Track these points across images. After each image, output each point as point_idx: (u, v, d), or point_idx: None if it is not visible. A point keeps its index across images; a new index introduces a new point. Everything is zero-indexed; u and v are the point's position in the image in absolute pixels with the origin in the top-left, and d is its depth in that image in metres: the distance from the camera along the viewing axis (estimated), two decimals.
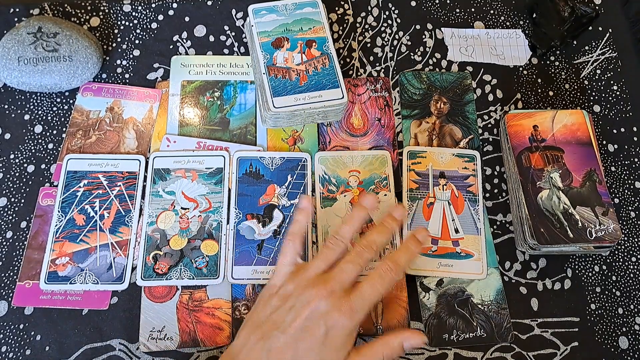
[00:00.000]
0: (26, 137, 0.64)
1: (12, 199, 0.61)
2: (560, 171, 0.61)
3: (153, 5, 0.72)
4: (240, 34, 0.72)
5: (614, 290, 0.61)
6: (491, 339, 0.58)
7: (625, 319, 0.60)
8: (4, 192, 0.62)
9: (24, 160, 0.63)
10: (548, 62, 0.72)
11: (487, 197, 0.65)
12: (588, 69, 0.72)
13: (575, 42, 0.74)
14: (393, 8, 0.74)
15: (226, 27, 0.72)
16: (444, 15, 0.74)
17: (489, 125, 0.68)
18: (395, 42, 0.72)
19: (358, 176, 0.64)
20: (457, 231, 0.61)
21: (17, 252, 0.59)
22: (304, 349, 0.45)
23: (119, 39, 0.70)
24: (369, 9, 0.74)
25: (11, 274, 0.58)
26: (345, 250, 0.51)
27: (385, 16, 0.74)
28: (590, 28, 0.74)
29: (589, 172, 0.61)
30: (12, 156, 0.64)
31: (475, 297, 0.59)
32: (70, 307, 0.57)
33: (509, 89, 0.71)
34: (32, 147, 0.64)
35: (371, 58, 0.71)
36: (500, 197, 0.65)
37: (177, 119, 0.66)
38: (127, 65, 0.69)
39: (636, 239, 0.64)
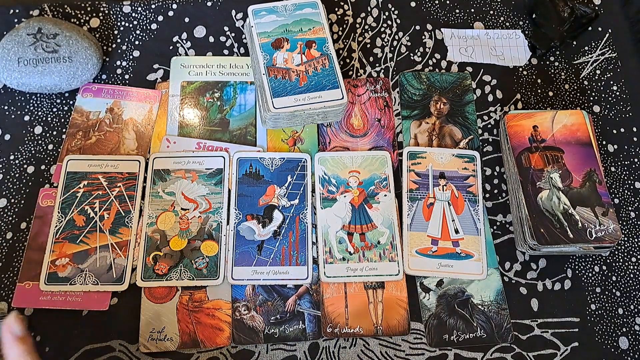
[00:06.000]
0: (26, 138, 0.64)
1: (12, 200, 0.61)
2: (560, 171, 0.61)
3: (153, 6, 0.72)
4: (240, 34, 0.72)
5: (614, 290, 0.61)
6: (491, 340, 0.58)
7: (625, 319, 0.60)
8: (4, 193, 0.62)
9: (24, 161, 0.63)
10: (548, 62, 0.72)
11: (487, 197, 0.65)
12: (588, 69, 0.72)
13: (574, 43, 0.74)
14: (393, 9, 0.74)
15: (226, 28, 0.72)
16: (444, 16, 0.74)
17: (489, 126, 0.68)
18: (395, 43, 0.72)
19: (358, 177, 0.64)
20: (457, 231, 0.61)
21: (17, 253, 0.59)
22: None
23: (118, 40, 0.70)
24: (369, 9, 0.74)
25: (11, 274, 0.58)
26: None
27: (385, 17, 0.74)
28: (590, 28, 0.74)
29: (588, 172, 0.61)
30: (12, 157, 0.64)
31: (476, 298, 0.59)
32: (70, 308, 0.57)
33: (509, 89, 0.71)
34: (32, 148, 0.64)
35: (371, 59, 0.71)
36: (500, 198, 0.65)
37: (177, 120, 0.66)
38: (127, 66, 0.69)
39: (636, 239, 0.64)
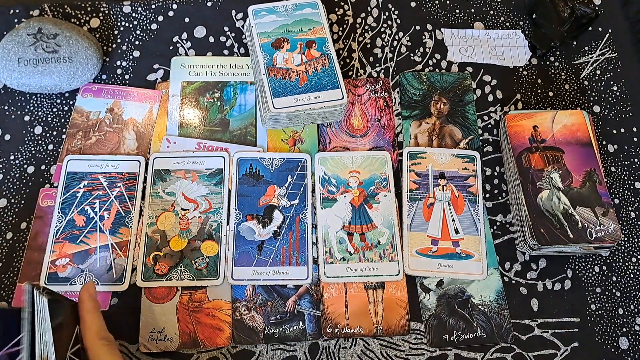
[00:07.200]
0: (26, 138, 0.64)
1: (12, 200, 0.61)
2: (560, 171, 0.61)
3: (153, 6, 0.72)
4: (240, 34, 0.72)
5: (614, 290, 0.61)
6: (491, 340, 0.58)
7: (625, 320, 0.60)
8: (4, 193, 0.62)
9: (24, 162, 0.63)
10: (548, 62, 0.72)
11: (487, 197, 0.65)
12: (588, 69, 0.72)
13: (575, 43, 0.74)
14: (393, 9, 0.74)
15: (226, 28, 0.72)
16: (444, 16, 0.74)
17: (489, 126, 0.68)
18: (395, 43, 0.72)
19: (358, 177, 0.64)
20: (457, 232, 0.61)
21: (17, 253, 0.59)
22: None
23: (119, 40, 0.70)
24: (369, 9, 0.74)
25: (11, 275, 0.58)
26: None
27: (385, 17, 0.74)
28: (590, 28, 0.74)
29: (589, 172, 0.61)
30: (12, 157, 0.64)
31: (476, 298, 0.59)
32: None
33: (509, 89, 0.71)
34: (32, 148, 0.64)
35: (371, 59, 0.71)
36: (500, 198, 0.65)
37: (177, 120, 0.66)
38: (127, 66, 0.69)
39: (636, 240, 0.64)
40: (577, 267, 0.62)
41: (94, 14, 0.71)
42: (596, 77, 0.72)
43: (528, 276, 0.61)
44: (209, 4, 0.73)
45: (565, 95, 0.71)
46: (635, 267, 0.62)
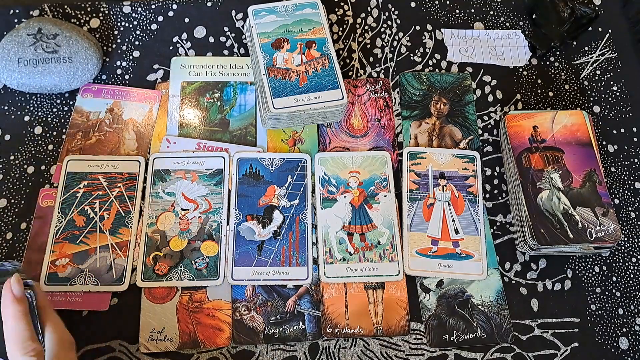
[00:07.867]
0: (26, 139, 0.64)
1: (12, 200, 0.61)
2: (560, 172, 0.61)
3: (153, 7, 0.72)
4: (240, 35, 0.72)
5: (614, 290, 0.61)
6: (491, 340, 0.58)
7: (625, 320, 0.60)
8: (4, 193, 0.62)
9: (24, 162, 0.63)
10: (548, 62, 0.72)
11: (487, 197, 0.65)
12: (588, 69, 0.72)
13: (575, 43, 0.74)
14: (393, 9, 0.74)
15: (226, 28, 0.72)
16: (444, 16, 0.74)
17: (489, 126, 0.68)
18: (395, 43, 0.72)
19: (358, 177, 0.64)
20: (457, 232, 0.61)
21: (17, 253, 0.59)
22: None
23: (118, 40, 0.70)
24: (369, 10, 0.74)
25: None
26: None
27: (385, 17, 0.74)
28: (590, 29, 0.74)
29: (589, 172, 0.61)
30: (12, 157, 0.64)
31: (476, 298, 0.59)
32: (70, 308, 0.57)
33: (509, 89, 0.71)
34: (32, 149, 0.64)
35: (371, 59, 0.71)
36: (500, 198, 0.65)
37: (177, 120, 0.66)
38: (127, 66, 0.69)
39: (636, 240, 0.64)
40: (577, 267, 0.62)
41: (94, 14, 0.71)
42: (596, 77, 0.72)
43: (528, 276, 0.61)
44: (209, 4, 0.73)
45: (565, 95, 0.71)
46: (635, 267, 0.62)
